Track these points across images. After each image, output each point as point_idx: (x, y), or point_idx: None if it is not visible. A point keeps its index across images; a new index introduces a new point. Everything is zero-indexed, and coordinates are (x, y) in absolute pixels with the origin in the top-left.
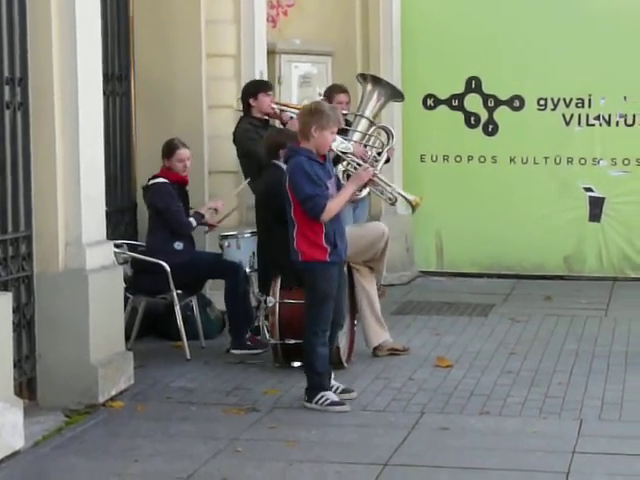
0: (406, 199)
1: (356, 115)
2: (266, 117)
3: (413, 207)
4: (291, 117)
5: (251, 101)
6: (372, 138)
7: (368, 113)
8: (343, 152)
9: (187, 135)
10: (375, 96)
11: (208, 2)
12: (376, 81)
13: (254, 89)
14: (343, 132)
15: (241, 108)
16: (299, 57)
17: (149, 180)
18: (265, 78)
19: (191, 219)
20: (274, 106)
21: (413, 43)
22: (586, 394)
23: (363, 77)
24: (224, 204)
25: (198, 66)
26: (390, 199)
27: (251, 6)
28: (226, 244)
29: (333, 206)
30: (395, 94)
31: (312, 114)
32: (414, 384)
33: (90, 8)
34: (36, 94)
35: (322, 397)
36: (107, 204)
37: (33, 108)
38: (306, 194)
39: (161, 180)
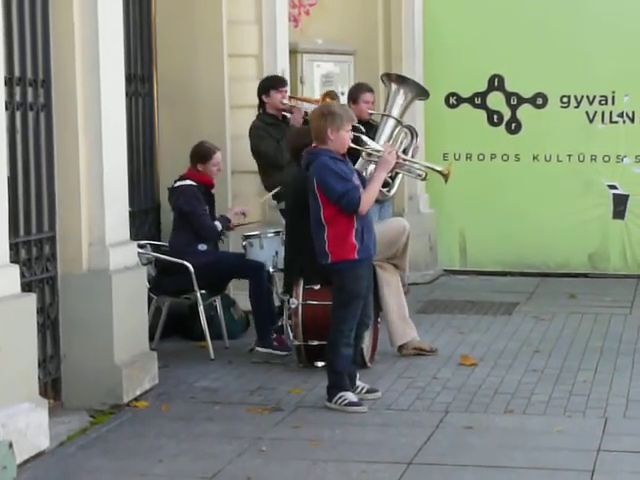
0: (435, 170)
1: (383, 115)
2: (282, 114)
3: (445, 176)
4: (306, 112)
5: (264, 97)
6: (401, 135)
7: (395, 113)
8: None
9: (210, 135)
10: (401, 95)
11: (230, 2)
12: (401, 80)
13: (266, 86)
14: (370, 130)
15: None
16: (321, 56)
17: (175, 182)
18: (287, 77)
19: (216, 222)
20: (285, 102)
21: (435, 41)
22: (611, 392)
23: (388, 77)
24: (250, 209)
25: (220, 66)
26: (420, 175)
27: (273, 6)
28: (249, 244)
29: (368, 196)
30: (420, 92)
31: (325, 117)
32: (438, 383)
33: (112, 9)
34: (59, 95)
35: (341, 397)
36: (130, 205)
37: (56, 109)
38: (339, 192)
39: (188, 182)
